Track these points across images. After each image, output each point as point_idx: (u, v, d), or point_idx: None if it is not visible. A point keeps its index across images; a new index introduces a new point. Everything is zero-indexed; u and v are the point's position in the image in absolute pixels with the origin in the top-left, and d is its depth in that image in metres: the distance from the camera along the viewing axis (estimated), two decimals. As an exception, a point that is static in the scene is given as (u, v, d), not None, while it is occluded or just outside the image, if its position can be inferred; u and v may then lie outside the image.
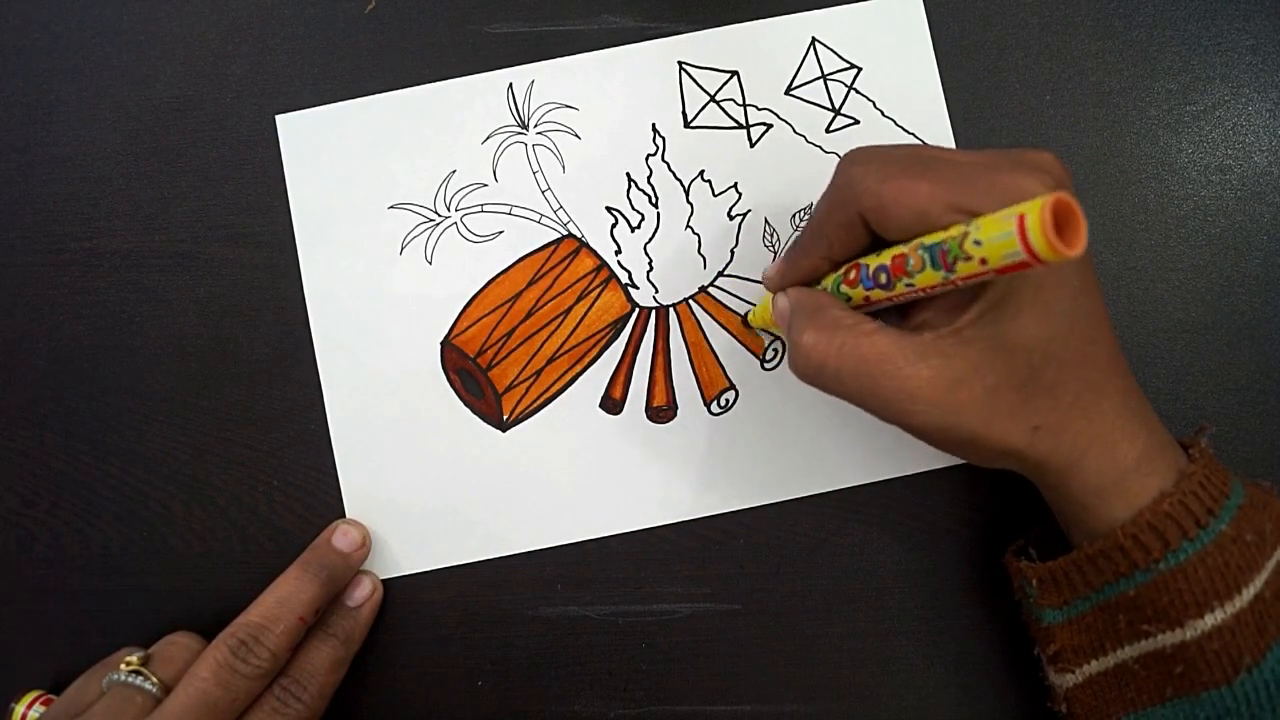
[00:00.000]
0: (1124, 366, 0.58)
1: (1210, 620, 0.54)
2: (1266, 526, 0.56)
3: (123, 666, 0.64)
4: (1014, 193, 0.50)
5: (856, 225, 0.56)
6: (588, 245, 0.73)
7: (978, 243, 0.46)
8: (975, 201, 0.50)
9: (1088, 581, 0.58)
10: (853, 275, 0.57)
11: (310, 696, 0.66)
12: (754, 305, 0.73)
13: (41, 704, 0.70)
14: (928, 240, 0.50)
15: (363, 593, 0.70)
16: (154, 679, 0.64)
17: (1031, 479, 0.60)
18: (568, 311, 0.73)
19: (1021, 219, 0.43)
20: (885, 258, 0.54)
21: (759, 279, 0.73)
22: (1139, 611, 0.56)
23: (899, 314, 0.60)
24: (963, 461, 0.71)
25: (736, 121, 0.74)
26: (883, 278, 0.54)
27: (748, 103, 0.74)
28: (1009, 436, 0.55)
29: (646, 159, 0.74)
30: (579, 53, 0.75)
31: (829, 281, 0.60)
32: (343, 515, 0.73)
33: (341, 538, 0.70)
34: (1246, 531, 0.55)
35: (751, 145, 0.74)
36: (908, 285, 0.52)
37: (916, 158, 0.55)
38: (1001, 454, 0.56)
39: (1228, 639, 0.54)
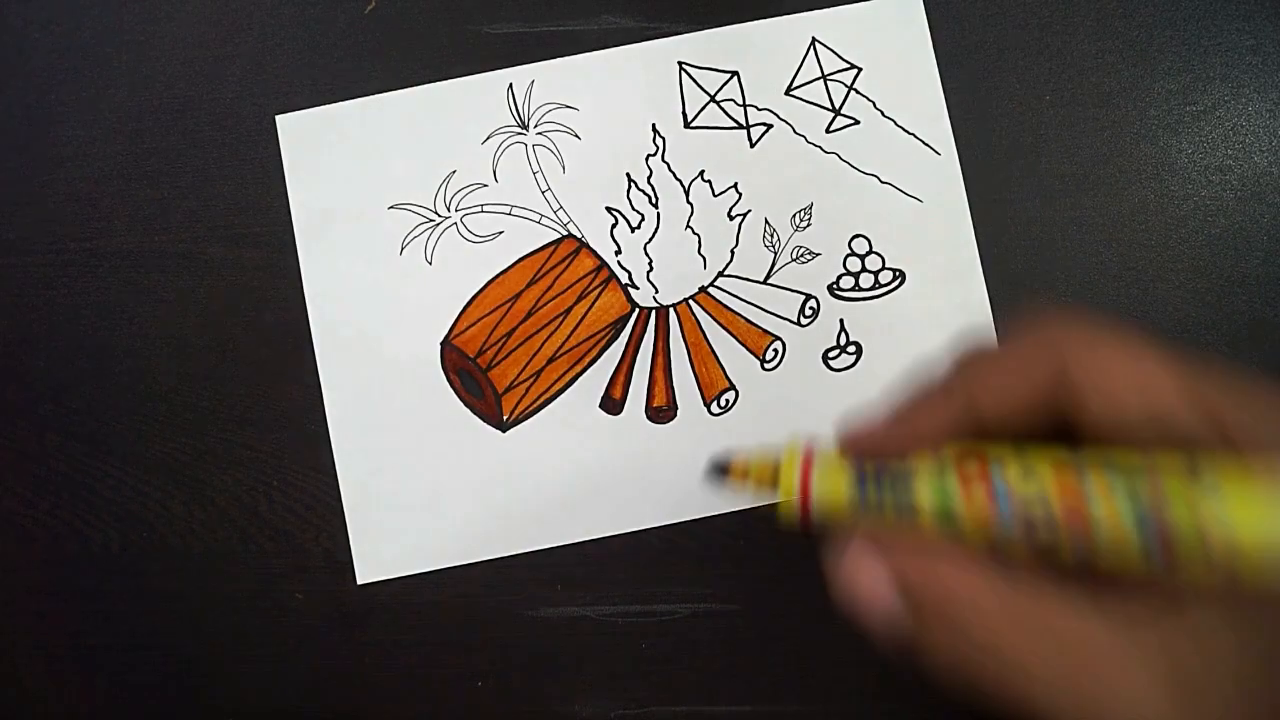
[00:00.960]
0: None
1: None
2: None
3: None
4: None
5: (1041, 389, 0.40)
6: (588, 245, 0.73)
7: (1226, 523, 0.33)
8: (1235, 412, 0.36)
9: None
10: (983, 490, 0.39)
11: None
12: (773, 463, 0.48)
13: None
14: (1125, 461, 0.37)
15: None
16: None
17: None
18: (568, 312, 0.73)
19: None
20: (1047, 481, 0.38)
21: (759, 279, 0.73)
22: None
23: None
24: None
25: (736, 122, 0.74)
26: (1037, 519, 0.38)
27: (748, 103, 0.74)
28: None
29: (646, 159, 0.74)
30: (579, 53, 0.75)
31: (923, 469, 0.42)
32: (341, 515, 0.72)
33: None
34: None
35: (752, 145, 0.74)
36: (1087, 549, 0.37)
37: (1156, 343, 0.39)
38: None
39: None
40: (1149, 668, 0.36)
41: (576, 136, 0.74)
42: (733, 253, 0.73)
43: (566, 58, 0.74)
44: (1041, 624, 0.37)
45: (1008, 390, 0.41)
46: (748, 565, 0.72)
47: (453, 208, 0.73)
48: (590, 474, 0.72)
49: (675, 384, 0.73)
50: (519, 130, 0.74)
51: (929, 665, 0.40)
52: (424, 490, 0.72)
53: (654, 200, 0.73)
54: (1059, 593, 0.37)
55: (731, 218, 0.73)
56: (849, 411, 0.45)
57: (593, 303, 0.73)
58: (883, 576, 0.41)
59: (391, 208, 0.74)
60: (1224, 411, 0.36)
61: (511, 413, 0.72)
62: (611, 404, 0.73)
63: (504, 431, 0.73)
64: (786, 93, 0.74)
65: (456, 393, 0.73)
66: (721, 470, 0.48)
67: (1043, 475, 0.38)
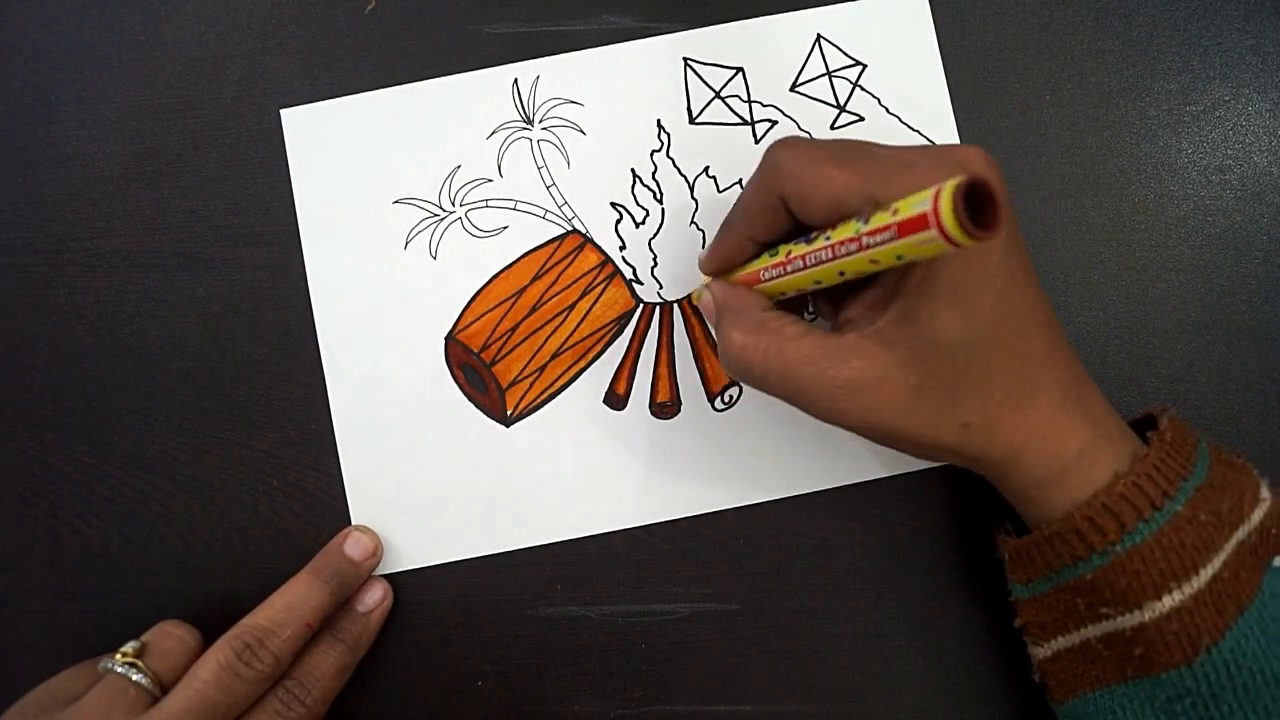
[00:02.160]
0: (1065, 358, 0.58)
1: (1168, 602, 0.54)
2: (1224, 507, 0.56)
3: (118, 656, 0.64)
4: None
5: (778, 208, 0.58)
6: (592, 241, 0.73)
7: (895, 211, 0.46)
8: (891, 194, 0.50)
9: (1047, 563, 0.59)
10: (780, 257, 0.58)
11: (313, 700, 0.65)
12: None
13: None
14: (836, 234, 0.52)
15: (374, 598, 0.70)
16: (149, 673, 0.63)
17: (976, 471, 0.61)
18: (572, 307, 0.73)
19: (935, 195, 0.43)
20: (781, 253, 0.58)
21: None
22: (1097, 594, 0.57)
23: (832, 311, 0.63)
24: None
25: (741, 118, 0.74)
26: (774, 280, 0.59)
27: (753, 99, 0.74)
28: (938, 434, 0.56)
29: (651, 155, 0.74)
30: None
31: (759, 265, 0.61)
32: (344, 512, 0.72)
33: (354, 545, 0.70)
34: (1201, 512, 0.55)
35: (756, 141, 0.74)
36: (826, 240, 0.53)
37: (843, 148, 0.56)
38: (935, 450, 0.58)
39: (1186, 620, 0.54)
40: (846, 364, 0.55)
41: (581, 132, 0.74)
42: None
43: (572, 53, 0.75)
44: (776, 352, 0.57)
45: (759, 217, 0.59)
46: (748, 565, 0.72)
47: (457, 202, 0.74)
48: (594, 469, 0.72)
49: (679, 379, 0.73)
50: (524, 125, 0.74)
51: (726, 366, 0.60)
52: (427, 485, 0.73)
53: (659, 196, 0.73)
54: (800, 332, 0.57)
55: (736, 214, 0.73)
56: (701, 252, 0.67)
57: (597, 298, 0.73)
58: (709, 301, 0.64)
59: (396, 202, 0.74)
60: (888, 196, 0.50)
61: (515, 408, 0.72)
62: (615, 399, 0.73)
63: (508, 426, 0.73)
64: (791, 89, 0.74)
65: (460, 387, 0.73)
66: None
67: (780, 252, 0.58)
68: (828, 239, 0.52)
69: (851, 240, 0.50)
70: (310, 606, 0.66)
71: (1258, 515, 0.57)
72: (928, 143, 0.74)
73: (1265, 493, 0.58)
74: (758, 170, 0.59)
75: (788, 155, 0.57)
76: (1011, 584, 0.63)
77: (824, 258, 0.53)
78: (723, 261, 0.64)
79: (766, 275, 0.60)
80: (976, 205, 0.42)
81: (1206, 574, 0.54)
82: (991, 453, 0.57)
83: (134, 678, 0.63)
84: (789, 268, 0.57)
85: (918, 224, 0.44)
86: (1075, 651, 0.60)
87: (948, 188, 0.42)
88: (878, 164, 0.54)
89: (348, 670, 0.69)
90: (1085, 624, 0.59)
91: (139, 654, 0.65)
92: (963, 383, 0.55)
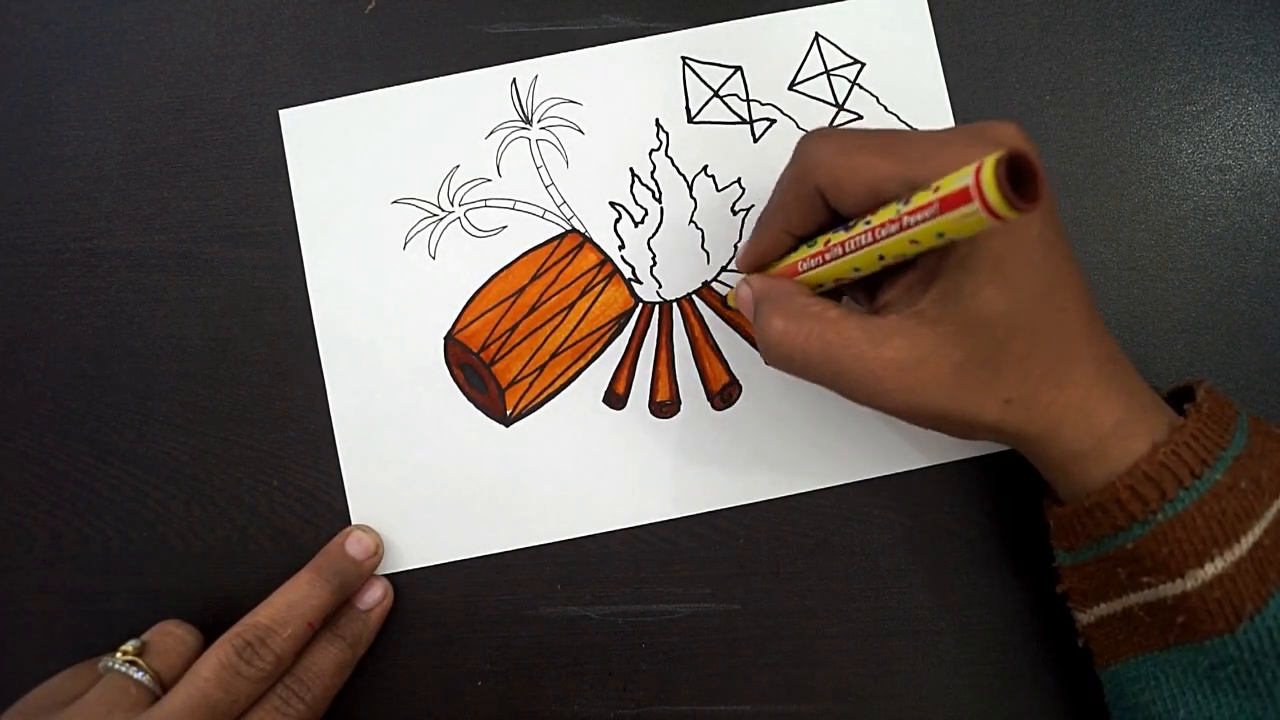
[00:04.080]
0: (1099, 332, 0.58)
1: (1210, 569, 0.54)
2: (1264, 474, 0.56)
3: (119, 655, 0.64)
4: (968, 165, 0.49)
5: (814, 199, 0.58)
6: (591, 240, 0.74)
7: (937, 189, 0.46)
8: (927, 175, 0.50)
9: (1088, 532, 0.59)
10: (819, 246, 0.58)
11: (313, 698, 0.65)
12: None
13: None
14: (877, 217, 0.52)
15: (374, 597, 0.70)
16: (150, 672, 0.63)
17: (1013, 448, 0.61)
18: (571, 306, 0.73)
19: (977, 170, 0.43)
20: (819, 242, 0.58)
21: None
22: (1138, 564, 0.57)
23: (867, 300, 0.62)
24: (963, 458, 0.71)
25: (740, 116, 0.74)
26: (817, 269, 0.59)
27: (751, 98, 0.74)
28: (980, 411, 0.56)
29: (650, 154, 0.74)
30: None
31: (797, 257, 0.61)
32: (344, 512, 0.72)
33: (355, 544, 0.70)
34: (1242, 480, 0.55)
35: (755, 140, 0.74)
36: (866, 224, 0.53)
37: (874, 136, 0.56)
38: (976, 428, 0.57)
39: (1228, 588, 0.54)
40: (888, 344, 0.55)
41: (580, 131, 0.74)
42: (736, 248, 0.73)
43: (570, 53, 0.75)
44: (818, 335, 0.56)
45: (795, 210, 0.59)
46: (748, 565, 0.72)
47: (456, 202, 0.74)
48: (594, 468, 0.72)
49: (679, 379, 0.73)
50: (523, 125, 0.74)
51: (766, 355, 0.60)
52: (427, 484, 0.73)
53: (657, 195, 0.74)
54: (841, 315, 0.57)
55: (735, 213, 0.74)
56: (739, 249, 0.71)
57: (596, 298, 0.73)
58: (747, 294, 0.63)
59: (395, 202, 0.74)
60: (926, 178, 0.49)
61: (515, 407, 0.72)
62: (615, 399, 0.73)
63: (507, 426, 0.73)
64: (790, 88, 0.74)
65: (460, 387, 0.73)
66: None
67: (819, 242, 0.58)
68: (868, 223, 0.53)
69: (892, 222, 0.50)
70: (311, 605, 0.66)
71: None
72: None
73: None
74: (791, 163, 0.60)
75: (821, 146, 0.57)
76: (1055, 550, 0.63)
77: (864, 242, 0.53)
78: (760, 257, 0.64)
79: (805, 266, 0.60)
80: (1016, 178, 0.43)
81: (1248, 541, 0.54)
82: (1030, 428, 0.57)
83: (135, 676, 0.63)
84: (828, 256, 0.57)
85: (960, 198, 0.45)
86: (1118, 618, 0.60)
87: (989, 161, 0.42)
88: (911, 147, 0.54)
89: (348, 668, 0.69)
90: (1127, 592, 0.59)
91: (140, 653, 0.65)
92: (1005, 358, 0.55)
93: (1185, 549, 0.55)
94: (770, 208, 0.62)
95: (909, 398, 0.55)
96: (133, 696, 0.62)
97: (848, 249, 0.55)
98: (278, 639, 0.64)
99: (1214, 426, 0.57)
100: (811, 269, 0.59)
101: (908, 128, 0.74)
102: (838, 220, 0.58)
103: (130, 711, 0.61)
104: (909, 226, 0.49)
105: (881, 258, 0.53)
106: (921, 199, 0.48)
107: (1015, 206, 0.42)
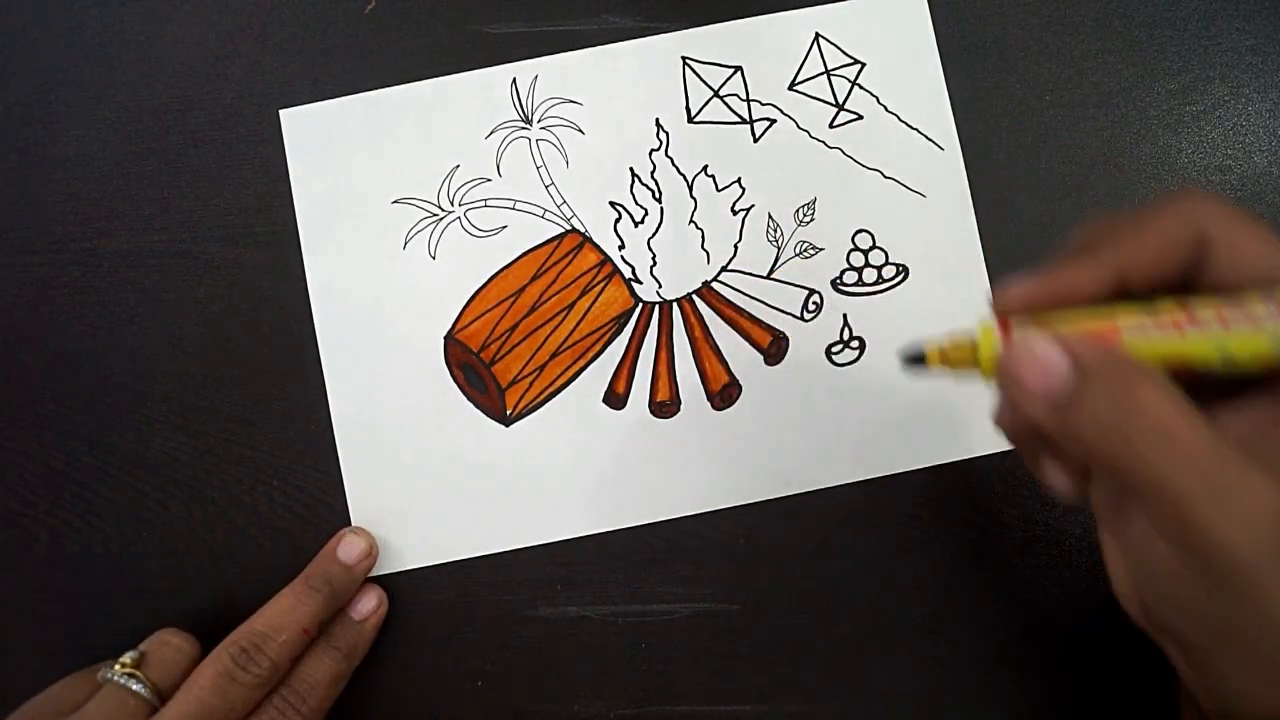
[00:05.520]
0: None
1: None
2: None
3: (117, 667, 0.64)
4: None
5: (1183, 246, 0.47)
6: (591, 240, 0.73)
7: None
8: None
9: None
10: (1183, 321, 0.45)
11: (309, 709, 0.65)
12: (967, 336, 0.51)
13: None
14: None
15: (367, 606, 0.70)
16: (148, 683, 0.63)
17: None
18: (571, 306, 0.73)
19: None
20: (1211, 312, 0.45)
21: (762, 274, 0.73)
22: None
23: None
24: (961, 459, 0.71)
25: (740, 117, 0.74)
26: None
27: (751, 98, 0.74)
28: None
29: (650, 154, 0.74)
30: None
31: (1118, 316, 0.47)
32: (344, 512, 0.72)
33: (346, 549, 0.70)
34: None
35: (755, 140, 0.74)
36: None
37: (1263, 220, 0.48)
38: None
39: None
40: (1245, 485, 0.39)
41: (580, 131, 0.74)
42: (736, 248, 0.73)
43: (570, 52, 0.75)
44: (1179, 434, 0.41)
45: (1152, 251, 0.47)
46: (748, 565, 0.72)
47: (456, 202, 0.74)
48: (594, 468, 0.72)
49: (679, 379, 0.73)
50: (523, 125, 0.74)
51: (1063, 432, 0.44)
52: (427, 484, 0.72)
53: (657, 195, 0.74)
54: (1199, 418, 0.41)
55: (735, 213, 0.74)
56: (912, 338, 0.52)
57: (596, 297, 0.73)
58: (1054, 350, 0.45)
59: (395, 202, 0.74)
60: None
61: (515, 407, 0.72)
62: (615, 399, 0.73)
63: (507, 426, 0.73)
64: (790, 88, 0.74)
65: (460, 387, 0.73)
66: (917, 359, 0.51)
67: (1165, 303, 0.46)
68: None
69: None
70: (305, 611, 0.66)
71: None
72: (935, 144, 0.74)
73: None
74: (1166, 200, 0.48)
75: (1214, 200, 0.46)
76: None
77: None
78: (1054, 297, 0.49)
79: (1132, 332, 0.45)
80: None
81: None
82: None
83: (133, 687, 0.63)
84: (1188, 326, 0.44)
85: None
86: None
87: None
88: None
89: (343, 678, 0.69)
90: None
91: (138, 664, 0.65)
92: None
93: None
94: (1099, 236, 0.49)
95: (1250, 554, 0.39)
96: (131, 708, 0.62)
97: (1229, 323, 0.44)
98: (273, 645, 0.64)
99: None
100: (1146, 340, 0.45)
101: (907, 127, 0.74)
102: (1174, 287, 0.47)
103: None
104: None
105: None
106: None
107: None
